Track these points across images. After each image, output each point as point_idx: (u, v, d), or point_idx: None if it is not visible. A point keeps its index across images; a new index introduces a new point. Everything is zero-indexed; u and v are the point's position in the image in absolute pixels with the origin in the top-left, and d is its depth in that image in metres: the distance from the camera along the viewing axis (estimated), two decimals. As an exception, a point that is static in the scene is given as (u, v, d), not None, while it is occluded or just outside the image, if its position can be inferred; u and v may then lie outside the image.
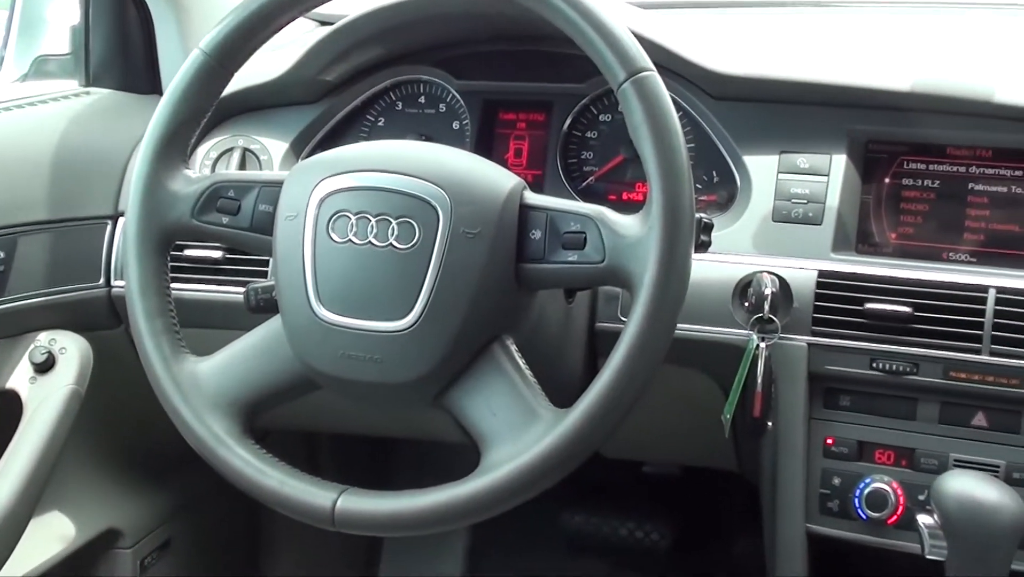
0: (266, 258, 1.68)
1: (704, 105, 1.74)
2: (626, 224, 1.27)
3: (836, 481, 1.58)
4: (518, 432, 1.26)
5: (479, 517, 1.26)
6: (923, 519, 1.34)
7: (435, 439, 1.98)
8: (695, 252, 1.29)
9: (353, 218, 1.30)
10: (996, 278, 1.53)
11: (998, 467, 1.52)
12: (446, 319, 1.28)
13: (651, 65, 1.26)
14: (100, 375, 1.84)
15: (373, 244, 1.29)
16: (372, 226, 1.30)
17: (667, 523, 2.60)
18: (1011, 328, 1.49)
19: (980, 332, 1.50)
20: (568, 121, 1.83)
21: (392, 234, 1.29)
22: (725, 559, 2.57)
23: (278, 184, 1.38)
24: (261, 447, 1.37)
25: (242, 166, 1.86)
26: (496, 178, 1.33)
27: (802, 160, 1.65)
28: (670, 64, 1.69)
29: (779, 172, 1.65)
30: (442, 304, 1.28)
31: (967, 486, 1.31)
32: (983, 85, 1.62)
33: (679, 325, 1.30)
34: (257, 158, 1.87)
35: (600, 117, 1.83)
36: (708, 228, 1.35)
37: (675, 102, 1.31)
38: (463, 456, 1.33)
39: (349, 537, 2.57)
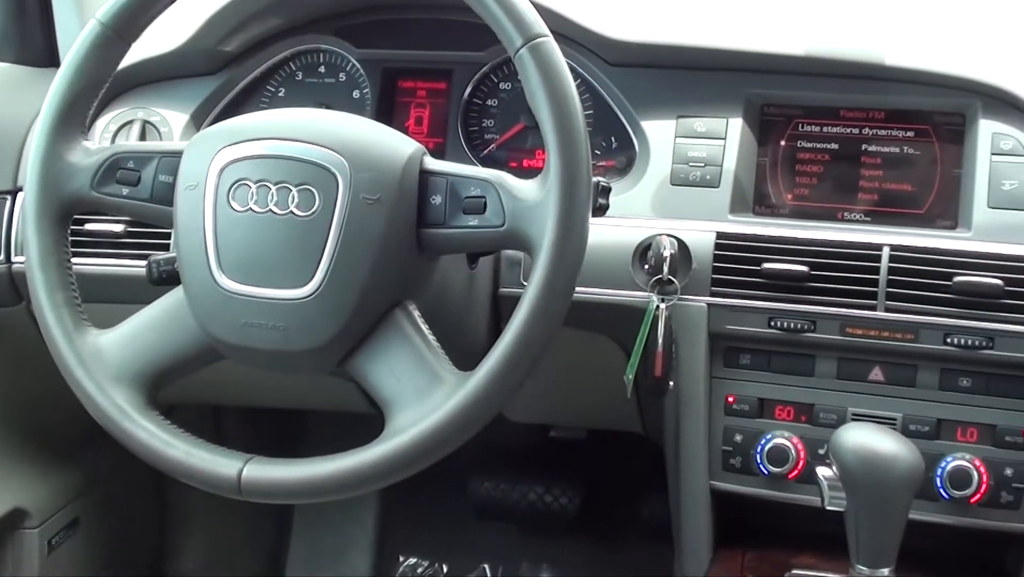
0: (168, 231, 1.67)
1: (601, 72, 1.76)
2: (525, 188, 1.28)
3: (738, 438, 1.61)
4: (422, 396, 1.27)
5: (385, 481, 1.26)
6: (822, 471, 1.36)
7: (341, 409, 1.99)
8: (594, 215, 1.30)
9: (253, 186, 1.30)
10: (890, 236, 1.57)
11: (895, 420, 1.56)
12: (348, 286, 1.28)
13: (547, 31, 1.27)
14: (1, 353, 1.82)
15: (274, 212, 1.29)
16: (272, 194, 1.29)
17: (575, 487, 2.62)
18: (905, 284, 1.53)
19: (875, 289, 1.54)
20: (468, 89, 1.84)
21: (292, 202, 1.28)
22: (633, 520, 2.60)
23: (178, 154, 1.37)
24: (167, 419, 1.36)
25: (142, 138, 1.84)
26: (395, 144, 1.33)
27: (699, 124, 1.68)
28: (567, 31, 1.71)
29: (676, 136, 1.68)
30: (343, 271, 1.28)
31: (864, 438, 1.34)
32: (874, 49, 1.66)
33: (581, 289, 1.32)
34: (157, 130, 1.85)
35: (500, 85, 1.84)
36: (606, 191, 1.37)
37: (572, 69, 1.32)
38: (371, 425, 1.33)
39: (259, 511, 2.58)
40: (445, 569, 2.69)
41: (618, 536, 2.63)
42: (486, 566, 2.68)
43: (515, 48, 1.27)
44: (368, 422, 1.43)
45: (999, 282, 1.50)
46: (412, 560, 2.71)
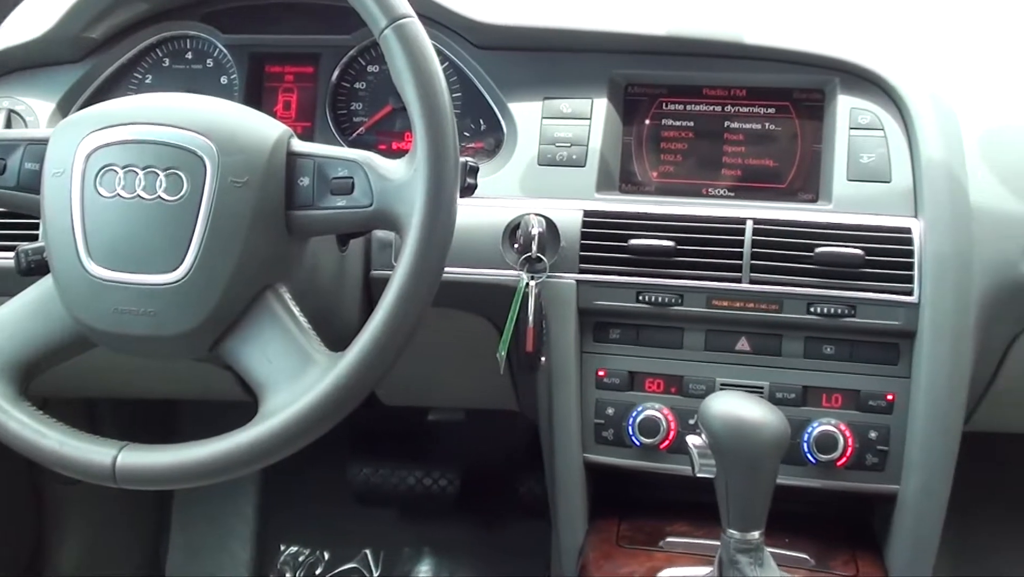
0: (37, 221, 1.65)
1: (468, 54, 1.77)
2: (393, 168, 1.29)
3: (610, 411, 1.63)
4: (295, 378, 1.28)
5: (261, 463, 1.27)
6: (692, 440, 1.38)
7: (215, 398, 1.97)
8: (462, 195, 1.32)
9: (120, 172, 1.29)
10: (753, 210, 1.61)
11: (762, 388, 1.60)
12: (217, 269, 1.28)
13: (411, 12, 1.28)
14: None
15: (141, 197, 1.28)
16: (140, 179, 1.29)
17: (454, 469, 2.64)
18: (768, 256, 1.57)
19: (740, 262, 1.58)
20: (336, 73, 1.84)
21: (160, 186, 1.28)
22: (512, 498, 2.62)
23: (44, 141, 1.35)
24: (39, 410, 1.35)
25: (8, 128, 1.81)
26: (262, 127, 1.33)
27: (565, 105, 1.70)
28: (433, 13, 1.72)
29: (543, 117, 1.70)
30: (213, 254, 1.28)
31: (731, 406, 1.36)
32: (735, 28, 1.69)
33: (452, 268, 1.34)
34: (23, 119, 1.82)
35: (368, 68, 1.84)
36: (474, 171, 1.38)
37: (439, 51, 1.34)
38: (246, 412, 1.33)
39: (136, 506, 2.55)
40: (327, 556, 2.69)
41: (498, 515, 2.66)
42: (367, 552, 2.69)
43: (379, 29, 1.28)
44: (243, 409, 1.43)
45: (859, 252, 1.55)
46: (293, 549, 2.71)
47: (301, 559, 2.69)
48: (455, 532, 2.70)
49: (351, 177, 1.30)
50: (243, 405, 1.55)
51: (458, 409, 2.49)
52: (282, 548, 2.71)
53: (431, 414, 2.53)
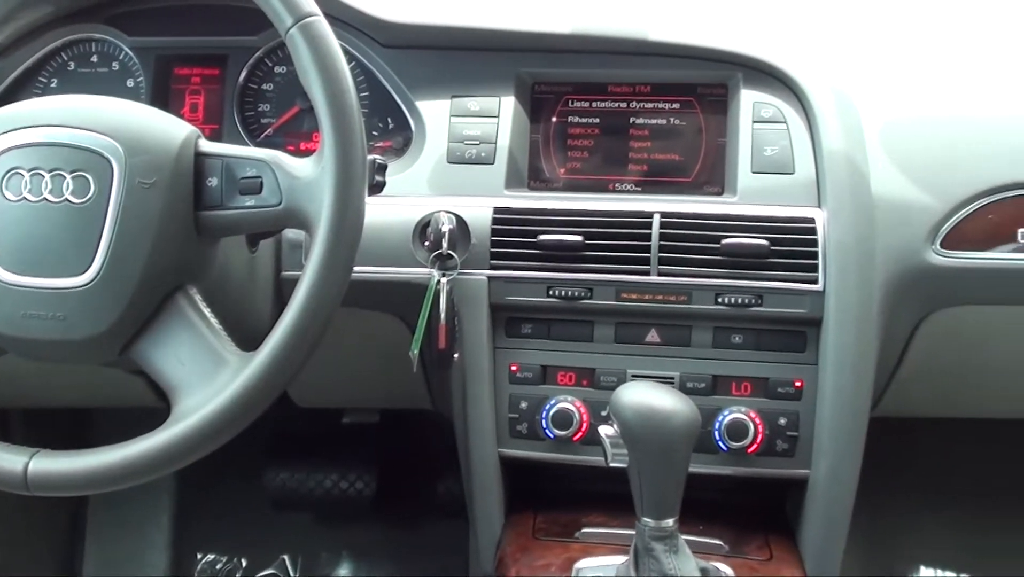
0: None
1: (376, 53, 1.77)
2: (301, 166, 1.30)
3: (523, 405, 1.65)
4: (207, 379, 1.28)
5: (175, 465, 1.26)
6: (604, 430, 1.40)
7: (127, 404, 1.96)
8: (371, 193, 1.33)
9: (27, 175, 1.28)
10: (659, 204, 1.63)
11: (673, 378, 1.62)
12: (127, 271, 1.28)
13: (317, 10, 1.29)
14: None
15: (48, 200, 1.28)
16: (46, 182, 1.28)
17: (370, 471, 2.63)
18: (675, 249, 1.60)
19: (648, 255, 1.60)
20: (243, 74, 1.83)
21: (67, 189, 1.27)
22: (430, 498, 2.62)
23: None
24: None
25: None
26: (169, 128, 1.33)
27: (473, 103, 1.71)
28: (339, 13, 1.73)
29: (451, 116, 1.71)
30: (121, 257, 1.27)
31: (642, 395, 1.37)
32: (638, 25, 1.72)
33: (363, 267, 1.35)
34: None
35: (275, 69, 1.84)
36: (382, 168, 1.39)
37: (346, 51, 1.35)
38: (159, 418, 1.32)
39: (50, 515, 2.51)
40: (244, 563, 2.67)
41: (415, 515, 2.66)
42: (285, 557, 2.67)
43: (285, 27, 1.28)
44: (159, 416, 1.42)
45: (765, 242, 1.58)
46: (211, 556, 2.68)
47: (219, 567, 2.67)
48: (373, 534, 2.69)
49: (259, 176, 1.30)
50: (158, 411, 1.54)
51: (373, 410, 2.50)
52: (199, 556, 2.68)
53: (346, 416, 2.52)
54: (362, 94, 1.76)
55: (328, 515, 2.71)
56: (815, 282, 1.57)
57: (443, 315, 1.58)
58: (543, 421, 1.63)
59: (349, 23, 1.75)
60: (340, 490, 2.62)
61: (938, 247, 1.64)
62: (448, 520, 2.45)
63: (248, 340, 1.35)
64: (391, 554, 2.66)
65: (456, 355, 1.63)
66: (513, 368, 1.65)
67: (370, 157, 1.32)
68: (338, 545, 2.69)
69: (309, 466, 2.63)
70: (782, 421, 1.60)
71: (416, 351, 1.59)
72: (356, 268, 1.30)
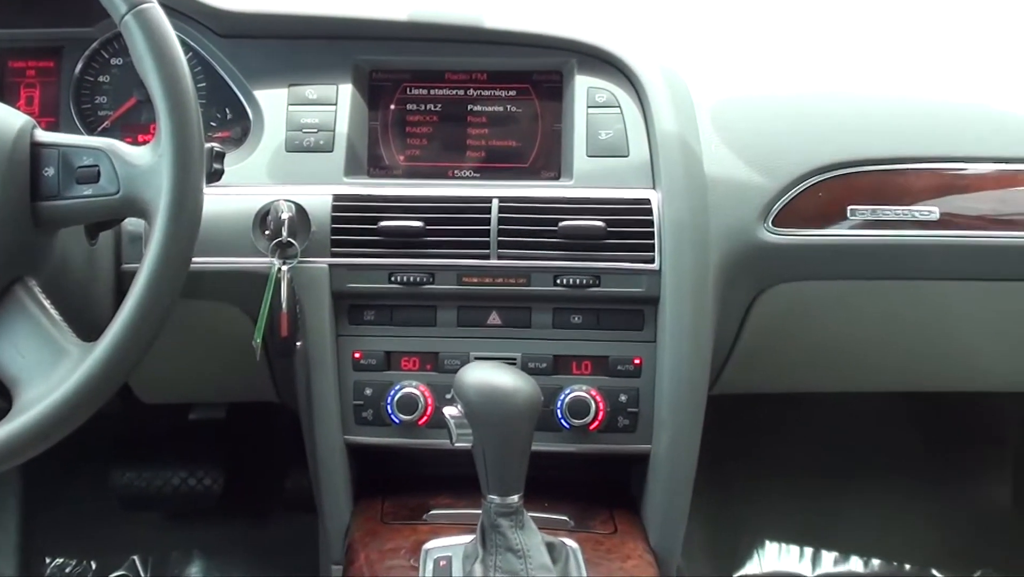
0: None
1: (212, 43, 1.76)
2: (138, 154, 1.29)
3: (368, 392, 1.65)
4: (48, 370, 1.26)
5: (18, 459, 1.24)
6: (448, 410, 1.41)
7: None
8: (209, 181, 1.33)
9: None
10: (498, 189, 1.66)
11: (515, 360, 1.65)
12: None
13: None
14: None
15: None
16: None
17: (218, 466, 2.61)
18: (514, 233, 1.62)
19: (487, 239, 1.62)
20: (79, 66, 1.80)
21: None
22: (278, 491, 2.61)
23: None
24: None
25: None
26: (4, 118, 1.31)
27: (310, 92, 1.71)
28: (174, 3, 1.70)
29: (289, 104, 1.71)
30: None
31: (484, 375, 1.40)
32: (473, 11, 1.74)
33: (203, 258, 1.35)
34: None
35: (112, 61, 1.81)
36: (220, 156, 1.39)
37: (183, 42, 1.34)
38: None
39: None
40: (94, 566, 2.63)
41: (265, 510, 2.64)
42: (135, 558, 2.64)
43: (120, 15, 1.28)
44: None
45: (601, 224, 1.61)
46: (59, 560, 2.63)
47: (68, 570, 2.62)
48: (223, 532, 2.67)
49: (97, 165, 1.29)
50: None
51: (219, 406, 2.47)
52: (47, 560, 2.63)
53: (192, 413, 2.50)
54: (199, 84, 1.74)
55: (177, 514, 2.68)
56: (651, 261, 1.61)
57: (284, 304, 1.58)
58: (388, 407, 1.64)
59: (184, 13, 1.73)
60: (188, 488, 2.59)
61: (770, 225, 1.69)
62: (298, 513, 2.44)
63: (90, 333, 1.33)
64: (242, 550, 2.64)
65: (299, 344, 1.63)
66: (356, 355, 1.66)
67: (208, 145, 1.32)
68: (188, 543, 2.66)
69: (156, 465, 2.59)
70: (622, 398, 1.64)
71: (259, 341, 1.59)
72: (196, 259, 1.30)
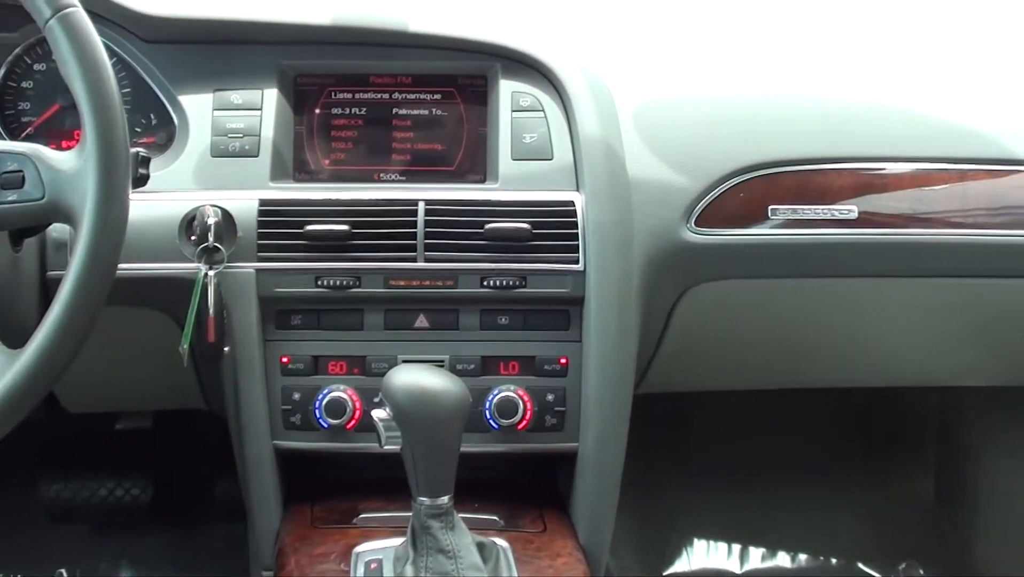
0: None
1: (137, 49, 1.75)
2: (63, 158, 1.29)
3: (296, 396, 1.66)
4: None
5: None
6: (377, 413, 1.42)
7: None
8: (135, 186, 1.32)
9: None
10: (424, 192, 1.67)
11: (443, 362, 1.65)
12: None
13: (76, 2, 1.28)
14: None
15: None
16: None
17: (146, 477, 2.58)
18: (441, 235, 1.63)
19: (414, 242, 1.63)
20: (2, 72, 1.78)
21: None
22: (208, 500, 2.60)
23: None
24: None
25: None
26: None
27: (235, 96, 1.71)
28: (98, 8, 1.69)
29: (214, 109, 1.70)
30: None
31: (413, 377, 1.40)
32: (398, 16, 1.74)
33: (129, 264, 1.34)
34: None
35: (35, 66, 1.80)
36: (145, 161, 1.39)
37: (107, 47, 1.33)
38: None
39: None
40: (21, 579, 2.60)
41: (195, 518, 2.62)
42: (63, 571, 2.60)
43: (44, 19, 1.28)
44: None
45: (527, 226, 1.63)
46: (-15, 574, 2.60)
47: (-7, 583, 2.59)
48: (153, 542, 2.64)
49: (21, 170, 1.29)
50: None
51: (147, 414, 2.46)
52: (-28, 575, 2.60)
53: (119, 422, 2.48)
54: (124, 90, 1.73)
55: (106, 524, 2.65)
56: (576, 262, 1.63)
57: (211, 309, 1.57)
58: (316, 411, 1.65)
59: (108, 18, 1.72)
60: (116, 498, 2.57)
61: (692, 225, 1.72)
62: (228, 520, 2.42)
63: (15, 341, 1.32)
64: (172, 560, 2.62)
65: (226, 349, 1.63)
66: (284, 360, 1.66)
67: (133, 150, 1.32)
68: (117, 554, 2.63)
69: (84, 475, 2.57)
70: (550, 397, 1.65)
71: (186, 346, 1.58)
72: (123, 265, 1.30)
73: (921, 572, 2.66)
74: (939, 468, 2.83)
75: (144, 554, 2.64)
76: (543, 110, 1.72)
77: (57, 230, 1.58)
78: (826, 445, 2.82)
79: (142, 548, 2.65)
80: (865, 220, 1.76)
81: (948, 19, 2.12)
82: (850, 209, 1.76)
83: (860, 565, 2.70)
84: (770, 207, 1.75)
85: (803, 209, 1.75)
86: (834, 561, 2.71)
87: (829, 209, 1.75)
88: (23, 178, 1.28)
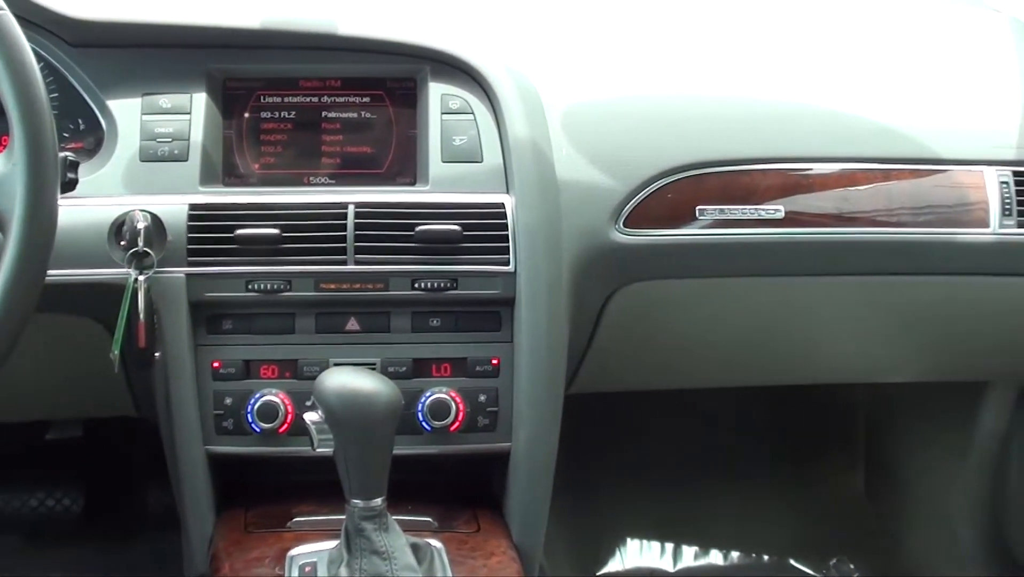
0: None
1: (64, 53, 1.73)
2: None
3: (228, 401, 1.65)
4: None
5: None
6: (309, 416, 1.42)
7: None
8: (63, 191, 1.31)
9: None
10: (354, 195, 1.67)
11: (375, 364, 1.65)
12: None
13: (3, 4, 1.28)
14: None
15: None
16: None
17: (78, 486, 2.56)
18: (371, 238, 1.63)
19: (344, 245, 1.63)
20: None
21: None
22: (141, 507, 2.58)
23: None
24: None
25: None
26: None
27: (164, 100, 1.70)
28: (24, 12, 1.67)
29: (143, 114, 1.69)
30: None
31: (344, 379, 1.40)
32: (327, 19, 1.75)
33: (58, 271, 1.33)
34: None
35: None
36: (74, 165, 1.38)
37: (34, 52, 1.32)
38: None
39: None
40: (-51, 594, 2.56)
41: (128, 528, 2.60)
42: (-7, 583, 2.58)
43: None
44: None
45: (457, 228, 1.63)
46: (-89, 591, 2.56)
47: (-81, 600, 2.55)
48: (85, 553, 2.61)
49: None
50: None
51: (77, 423, 2.44)
52: (-102, 592, 2.56)
53: (49, 433, 2.45)
54: (52, 95, 1.72)
55: (36, 536, 2.62)
56: (506, 264, 1.64)
57: (142, 314, 1.57)
58: (248, 416, 1.64)
59: (35, 22, 1.71)
60: (47, 508, 2.54)
61: (621, 226, 1.74)
62: (162, 529, 2.40)
63: None
64: (105, 571, 2.60)
65: (157, 354, 1.62)
66: (215, 365, 1.65)
67: (61, 154, 1.31)
68: (48, 567, 2.60)
69: (12, 486, 2.54)
70: (482, 398, 1.66)
71: (116, 353, 1.57)
72: (52, 271, 1.29)
73: (852, 567, 2.70)
74: (868, 465, 2.87)
75: (76, 565, 2.61)
76: (472, 112, 1.72)
77: None
78: (758, 443, 2.85)
79: (74, 559, 2.61)
80: (791, 220, 1.79)
81: (873, 21, 2.16)
82: (777, 209, 1.78)
83: (792, 561, 2.73)
84: (698, 207, 1.77)
85: (730, 209, 1.77)
86: (766, 558, 2.74)
87: (756, 209, 1.78)
88: None
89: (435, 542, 1.55)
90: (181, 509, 1.73)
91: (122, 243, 1.59)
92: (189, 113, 1.69)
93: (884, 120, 1.89)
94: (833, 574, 2.70)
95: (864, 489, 2.87)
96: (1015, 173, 1.87)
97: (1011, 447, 2.48)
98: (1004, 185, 1.86)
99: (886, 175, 1.85)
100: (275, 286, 1.63)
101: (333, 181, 1.73)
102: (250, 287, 1.63)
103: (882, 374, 2.28)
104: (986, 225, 1.86)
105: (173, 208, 1.62)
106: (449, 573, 1.50)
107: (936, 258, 1.88)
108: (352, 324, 1.66)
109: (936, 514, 2.63)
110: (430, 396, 1.65)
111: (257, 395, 1.64)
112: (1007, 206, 1.86)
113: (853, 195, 1.84)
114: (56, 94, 1.72)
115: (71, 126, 1.74)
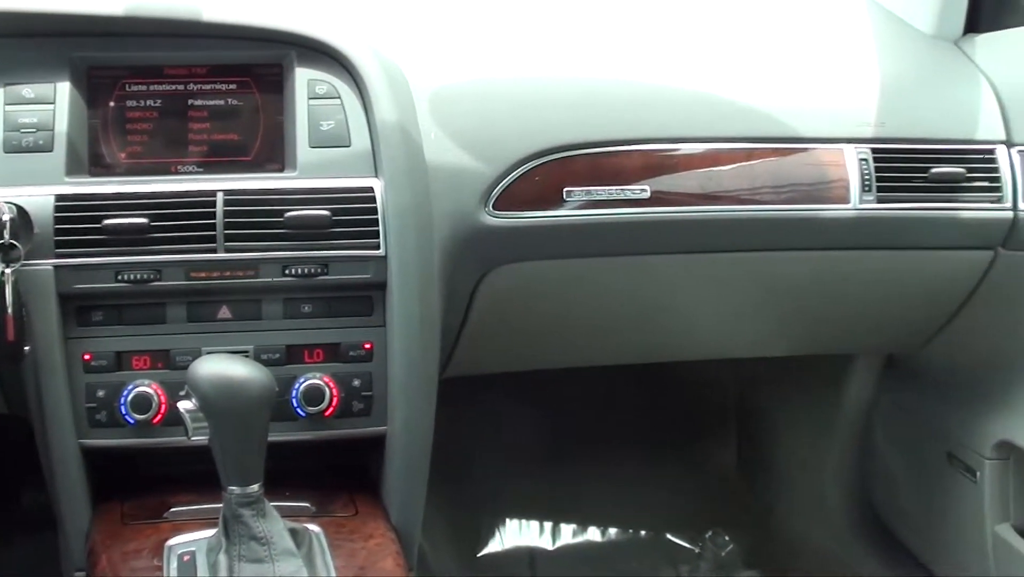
0: None
1: None
2: None
3: (100, 393, 1.64)
4: None
5: None
6: (183, 405, 1.42)
7: None
8: None
9: None
10: (222, 183, 1.66)
11: (248, 352, 1.66)
12: None
13: None
14: None
15: None
16: None
17: None
18: (241, 225, 1.63)
19: (213, 233, 1.63)
20: None
21: None
22: (15, 507, 2.53)
23: None
24: None
25: None
26: None
27: (27, 90, 1.67)
28: None
29: (6, 104, 1.67)
30: None
31: (217, 367, 1.41)
32: (191, 5, 1.73)
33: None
34: None
35: None
36: None
37: None
38: None
39: None
40: None
41: (3, 528, 2.56)
42: None
43: None
44: None
45: (327, 213, 1.64)
46: None
47: None
48: None
49: None
50: None
51: None
52: None
53: None
54: None
55: None
56: (377, 248, 1.65)
57: (10, 308, 1.54)
58: (122, 407, 1.63)
59: None
60: None
61: (490, 208, 1.76)
62: (38, 529, 2.37)
63: None
64: None
65: (27, 348, 1.60)
66: (86, 357, 1.64)
67: None
68: None
69: None
70: (356, 383, 1.67)
71: None
72: None
73: (727, 538, 2.76)
74: (739, 439, 2.94)
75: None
76: (340, 97, 1.73)
77: None
78: (634, 422, 2.90)
79: (-52, 563, 2.57)
80: (657, 199, 1.83)
81: (734, 3, 2.20)
82: (643, 189, 1.82)
83: (668, 536, 2.79)
84: (565, 189, 1.80)
85: (597, 190, 1.81)
86: (643, 533, 2.79)
87: (622, 189, 1.81)
88: None
89: (313, 526, 1.56)
90: (56, 505, 1.71)
91: (-12, 236, 1.56)
92: (53, 103, 1.67)
93: (746, 100, 1.93)
94: (709, 546, 2.76)
95: (736, 463, 2.93)
96: (873, 150, 1.93)
97: (874, 415, 2.56)
98: (863, 162, 1.91)
99: (749, 154, 1.89)
100: (145, 276, 1.62)
101: (201, 169, 1.72)
102: (120, 277, 1.61)
103: (752, 349, 2.33)
104: (847, 201, 1.91)
105: (39, 199, 1.60)
106: (328, 557, 1.51)
107: (800, 234, 1.93)
108: (224, 312, 1.66)
109: (806, 484, 2.71)
110: (304, 382, 1.65)
111: (130, 386, 1.63)
112: (867, 182, 1.91)
113: (717, 174, 1.88)
114: None
115: None
